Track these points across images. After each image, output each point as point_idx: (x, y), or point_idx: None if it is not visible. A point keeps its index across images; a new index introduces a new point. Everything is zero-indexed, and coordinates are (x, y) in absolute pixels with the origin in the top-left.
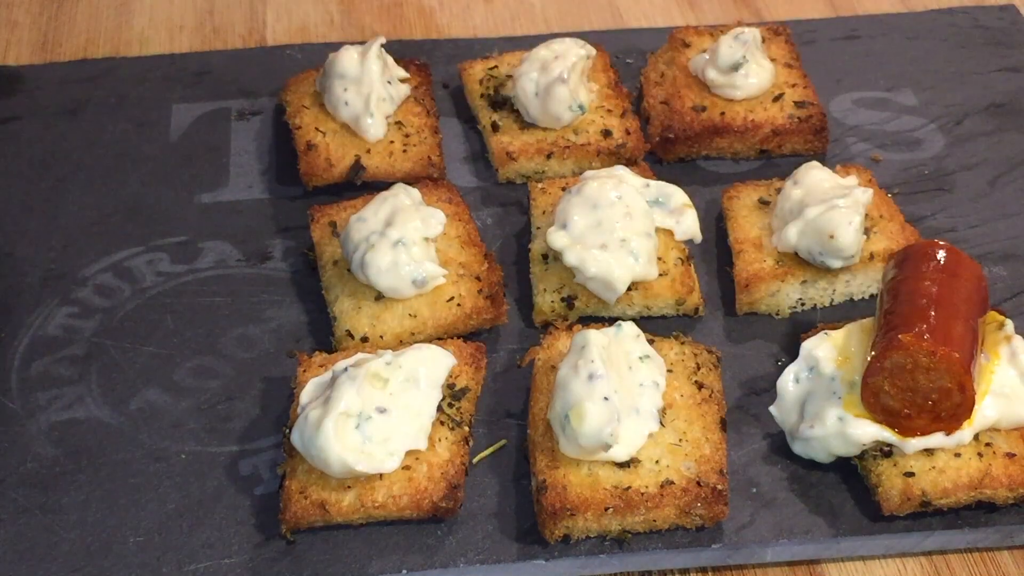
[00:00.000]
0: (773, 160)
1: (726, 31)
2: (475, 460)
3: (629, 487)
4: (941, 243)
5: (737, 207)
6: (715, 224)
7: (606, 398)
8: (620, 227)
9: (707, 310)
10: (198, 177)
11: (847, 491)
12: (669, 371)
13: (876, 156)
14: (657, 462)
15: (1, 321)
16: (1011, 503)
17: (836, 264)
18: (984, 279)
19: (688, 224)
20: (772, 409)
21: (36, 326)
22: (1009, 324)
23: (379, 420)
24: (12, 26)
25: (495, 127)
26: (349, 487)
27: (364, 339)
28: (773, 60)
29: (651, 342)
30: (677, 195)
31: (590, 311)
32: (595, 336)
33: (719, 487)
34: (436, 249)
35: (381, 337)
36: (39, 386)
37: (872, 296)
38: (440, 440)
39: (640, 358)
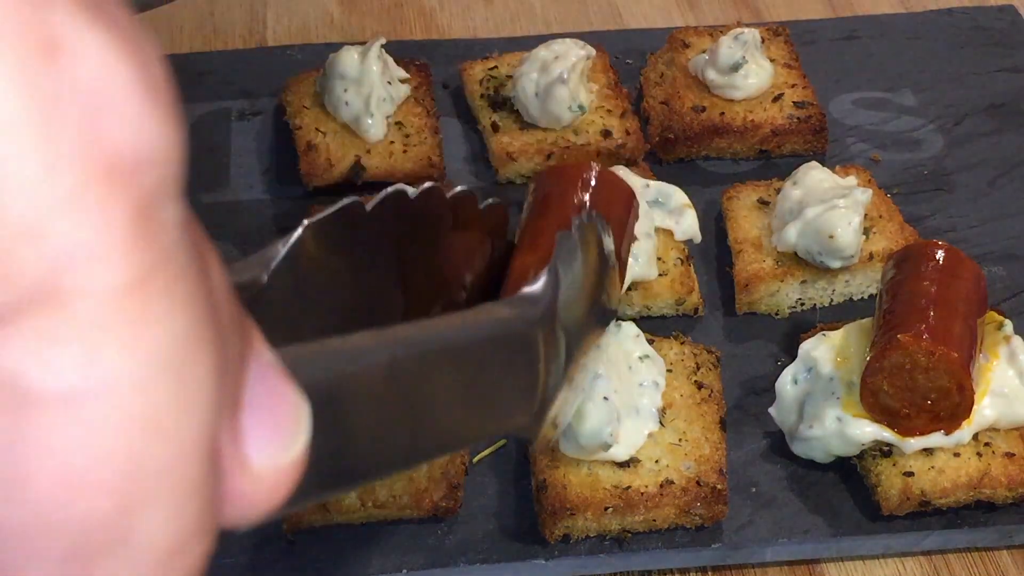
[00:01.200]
0: (773, 160)
1: (726, 32)
2: (475, 460)
3: (629, 487)
4: (940, 243)
5: (737, 207)
6: (715, 224)
7: (606, 398)
8: None
9: (707, 310)
10: (198, 177)
11: (846, 491)
12: (669, 371)
13: (876, 156)
14: (657, 462)
15: None
16: (1010, 503)
17: (835, 264)
18: (983, 279)
19: (688, 224)
20: (771, 411)
21: None
22: (1008, 324)
23: None
24: None
25: (495, 127)
26: None
27: None
28: (773, 60)
29: (651, 342)
30: (677, 195)
31: None
32: None
33: (719, 487)
34: None
35: None
36: None
37: (871, 296)
38: None
39: (640, 358)
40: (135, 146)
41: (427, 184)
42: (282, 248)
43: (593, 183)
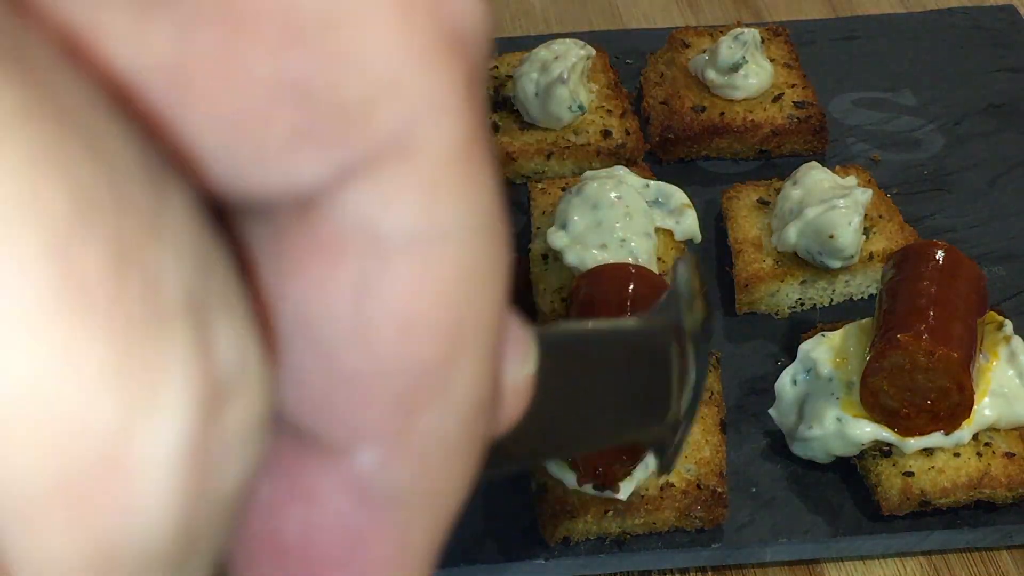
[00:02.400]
0: (773, 160)
1: (726, 32)
2: None
3: None
4: (940, 243)
5: (737, 207)
6: (715, 224)
7: None
8: (620, 227)
9: None
10: None
11: (846, 491)
12: None
13: (876, 156)
14: None
15: None
16: (1010, 503)
17: (836, 264)
18: (983, 279)
19: (688, 224)
20: (771, 411)
21: None
22: (1008, 324)
23: None
24: None
25: (495, 127)
26: None
27: None
28: (772, 60)
29: None
30: (677, 195)
31: None
32: None
33: (719, 490)
34: None
35: None
36: None
37: (871, 296)
38: None
39: None
40: (469, 20)
41: None
42: None
43: (632, 282)
